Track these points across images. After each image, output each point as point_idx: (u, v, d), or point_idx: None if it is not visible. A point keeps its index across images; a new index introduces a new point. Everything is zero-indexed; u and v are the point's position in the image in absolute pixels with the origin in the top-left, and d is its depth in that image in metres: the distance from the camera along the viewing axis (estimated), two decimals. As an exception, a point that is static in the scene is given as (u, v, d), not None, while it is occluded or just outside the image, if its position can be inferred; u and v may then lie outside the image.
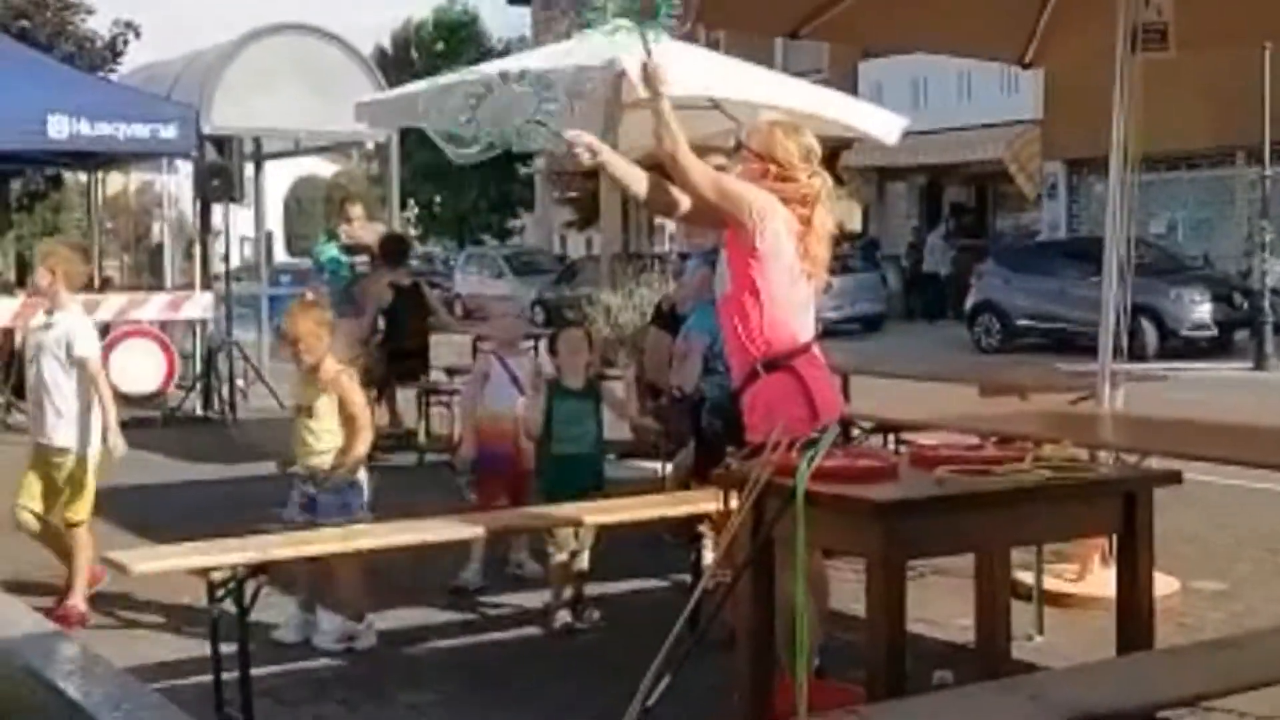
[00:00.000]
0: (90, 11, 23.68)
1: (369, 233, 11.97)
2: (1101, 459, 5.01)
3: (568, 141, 4.32)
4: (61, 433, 6.15)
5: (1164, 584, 5.66)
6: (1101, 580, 5.58)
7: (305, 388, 5.72)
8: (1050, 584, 5.83)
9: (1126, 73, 6.11)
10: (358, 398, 5.69)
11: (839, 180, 28.60)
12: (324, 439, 5.63)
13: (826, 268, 4.47)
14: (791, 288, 4.35)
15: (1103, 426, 5.79)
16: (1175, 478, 4.24)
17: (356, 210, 12.46)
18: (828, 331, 20.59)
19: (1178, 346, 18.15)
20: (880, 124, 9.08)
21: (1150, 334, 18.07)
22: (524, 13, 38.92)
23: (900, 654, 3.64)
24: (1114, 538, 4.18)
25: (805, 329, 4.44)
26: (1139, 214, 6.55)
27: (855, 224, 30.84)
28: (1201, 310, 18.75)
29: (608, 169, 4.33)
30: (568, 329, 6.62)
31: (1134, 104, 6.11)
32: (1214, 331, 18.74)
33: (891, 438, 6.98)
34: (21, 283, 17.73)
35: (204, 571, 4.77)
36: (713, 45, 15.60)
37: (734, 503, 4.00)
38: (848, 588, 5.18)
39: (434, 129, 4.68)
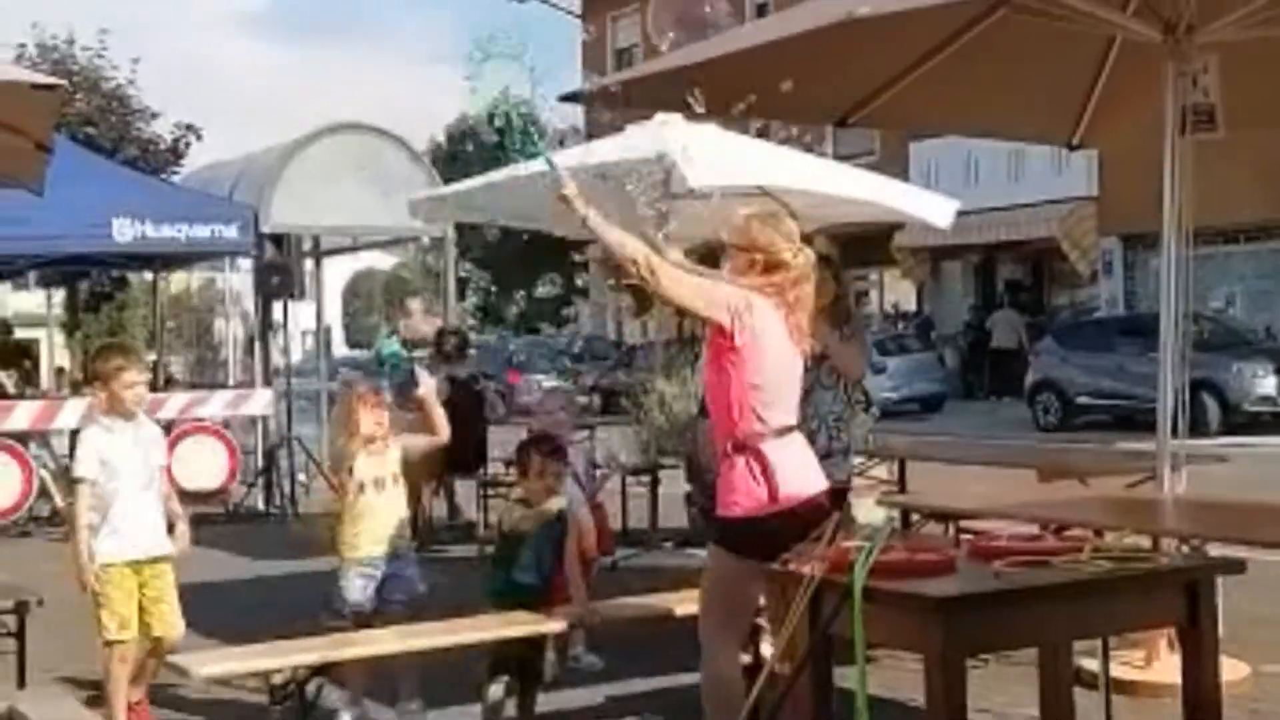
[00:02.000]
0: (154, 115, 24.29)
1: (429, 325, 12.07)
2: (1164, 545, 4.95)
3: (560, 194, 4.56)
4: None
5: (1233, 669, 5.56)
6: (1169, 666, 5.48)
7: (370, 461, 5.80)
8: (1116, 671, 5.73)
9: (1177, 154, 6.11)
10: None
11: (891, 261, 28.70)
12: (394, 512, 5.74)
13: (809, 339, 4.71)
14: (767, 378, 4.54)
15: (1163, 512, 5.72)
16: (1238, 566, 4.19)
17: (415, 304, 12.58)
18: (887, 413, 20.67)
19: (1241, 421, 17.92)
20: (933, 208, 9.09)
21: (1213, 409, 17.86)
22: (577, 105, 39.31)
23: (962, 749, 3.60)
24: (1178, 627, 4.12)
25: (781, 413, 4.60)
26: (1196, 288, 6.51)
27: (910, 304, 30.80)
28: (1265, 384, 18.52)
29: (588, 221, 4.52)
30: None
31: (1186, 182, 6.10)
32: (1278, 406, 18.51)
33: (950, 524, 6.93)
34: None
35: (266, 674, 4.80)
36: (762, 134, 15.72)
37: (790, 597, 3.99)
38: (908, 677, 5.13)
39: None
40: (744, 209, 4.90)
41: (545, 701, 6.13)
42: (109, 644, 5.69)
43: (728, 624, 4.69)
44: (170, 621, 5.77)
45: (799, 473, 4.61)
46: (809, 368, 6.27)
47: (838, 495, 6.13)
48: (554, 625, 5.40)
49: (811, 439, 6.09)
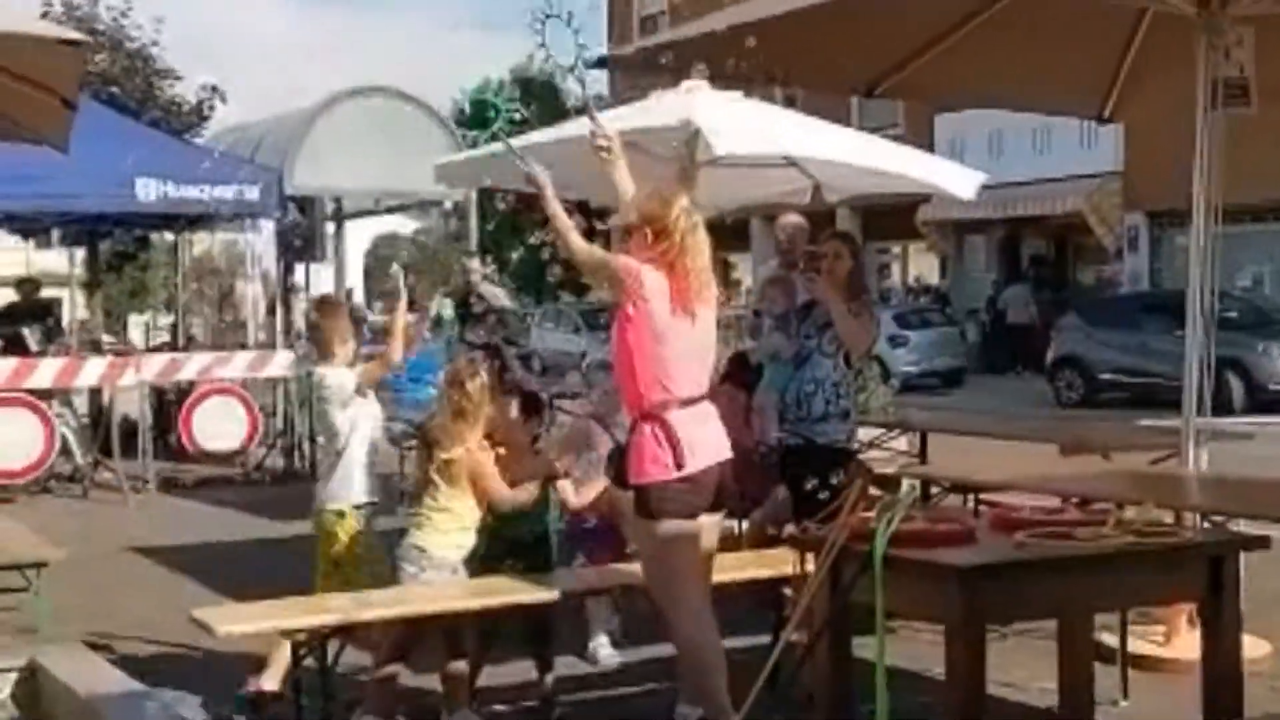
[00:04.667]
0: (178, 77, 24.27)
1: (489, 286, 11.84)
2: (1186, 521, 4.92)
3: (593, 131, 4.97)
4: None
5: (1254, 647, 5.54)
6: (1189, 642, 5.46)
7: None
8: (1136, 646, 5.72)
9: (1207, 128, 6.05)
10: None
11: (915, 235, 28.67)
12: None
13: (707, 302, 4.79)
14: (663, 345, 4.68)
15: (1187, 487, 5.68)
16: (1263, 542, 4.17)
17: (474, 264, 12.38)
18: (907, 387, 20.54)
19: (1266, 401, 17.81)
20: (957, 180, 9.02)
21: (1237, 388, 17.77)
22: (601, 72, 39.27)
23: (979, 719, 3.59)
24: (1199, 602, 4.10)
25: (684, 383, 4.73)
26: (1224, 266, 6.46)
27: (933, 278, 30.70)
28: (1290, 364, 18.40)
29: (612, 170, 4.95)
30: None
31: (1216, 158, 6.05)
32: (1304, 386, 18.40)
33: (971, 497, 6.91)
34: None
35: (289, 632, 4.81)
36: (788, 102, 15.65)
37: (810, 565, 4.00)
38: (927, 648, 5.12)
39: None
40: (641, 189, 5.01)
41: (571, 662, 6.15)
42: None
43: (675, 586, 4.75)
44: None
45: (704, 442, 4.72)
46: (809, 335, 6.34)
47: (837, 456, 6.26)
48: (550, 594, 5.30)
49: (809, 402, 6.23)
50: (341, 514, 5.56)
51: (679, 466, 4.63)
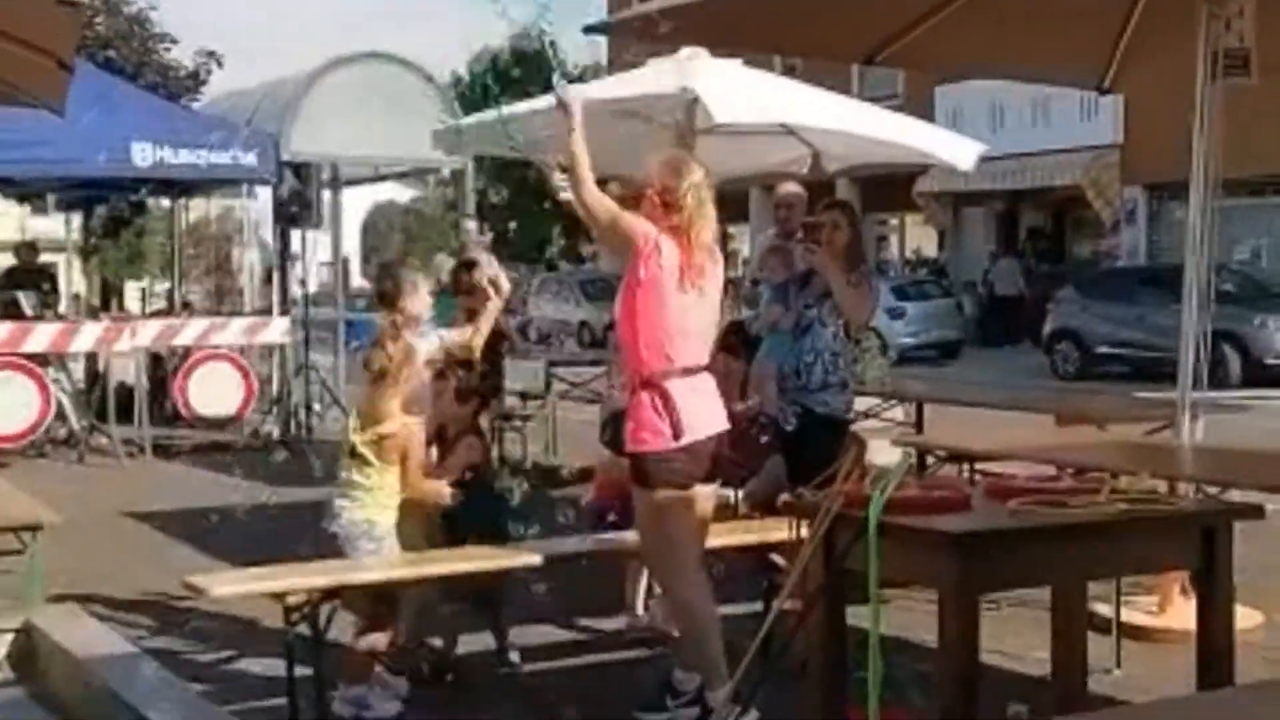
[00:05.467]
0: (175, 41, 24.15)
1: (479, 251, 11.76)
2: (1181, 491, 4.93)
3: (559, 98, 4.72)
4: None
5: (1247, 617, 5.56)
6: (1182, 612, 5.48)
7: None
8: (1129, 616, 5.74)
9: (1207, 100, 6.03)
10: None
11: (913, 206, 28.71)
12: None
13: (713, 278, 4.77)
14: (670, 312, 4.65)
15: (1182, 458, 5.69)
16: (1257, 512, 4.17)
17: (471, 225, 12.30)
18: (904, 358, 20.55)
19: (1262, 375, 17.83)
20: (956, 150, 9.00)
21: (1234, 362, 17.78)
22: (599, 40, 39.20)
23: (973, 686, 3.60)
24: (1193, 571, 4.11)
25: (687, 353, 4.72)
26: (1221, 240, 6.45)
27: (931, 250, 30.68)
28: (1287, 338, 18.41)
29: (572, 142, 4.64)
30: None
31: (1215, 130, 6.03)
32: (1300, 359, 18.41)
33: (967, 467, 6.91)
34: (105, 307, 18.09)
35: (280, 595, 4.82)
36: (788, 71, 15.60)
37: (804, 532, 4.00)
38: (921, 617, 5.13)
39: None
40: (654, 155, 4.95)
41: (567, 630, 6.17)
42: None
43: (672, 554, 4.77)
44: None
45: (702, 411, 4.72)
46: (809, 305, 6.34)
47: (837, 426, 6.28)
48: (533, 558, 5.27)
49: (808, 372, 6.24)
50: None
51: (677, 436, 4.63)
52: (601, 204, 4.70)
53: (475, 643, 5.83)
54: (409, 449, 5.24)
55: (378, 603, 5.21)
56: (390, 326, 5.36)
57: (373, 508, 5.20)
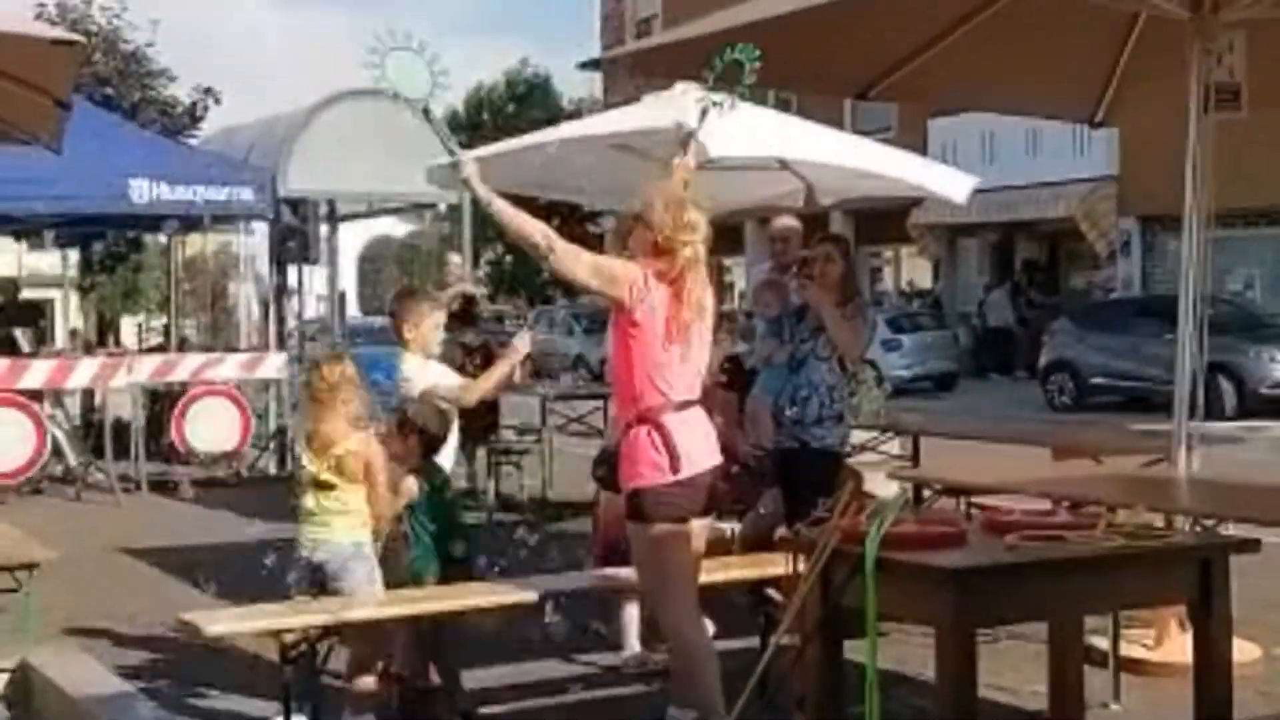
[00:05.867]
0: (172, 78, 24.23)
1: (462, 286, 11.78)
2: (1177, 524, 4.93)
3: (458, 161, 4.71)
4: None
5: (1244, 651, 5.55)
6: (1179, 646, 5.48)
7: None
8: (1127, 650, 5.73)
9: (1200, 133, 6.06)
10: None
11: (907, 238, 28.79)
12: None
13: (700, 329, 4.72)
14: (663, 351, 4.64)
15: (1178, 491, 5.69)
16: (1253, 546, 4.17)
17: (455, 258, 12.33)
18: (900, 390, 20.63)
19: (1257, 405, 17.85)
20: (950, 183, 9.05)
21: (1229, 392, 17.80)
22: (594, 74, 39.37)
23: (971, 723, 3.60)
24: (1190, 605, 4.11)
25: (680, 388, 4.70)
26: (1215, 271, 6.47)
27: (926, 282, 30.73)
28: (1281, 368, 18.44)
29: (502, 216, 4.62)
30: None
31: (1208, 162, 6.06)
32: (1295, 390, 18.43)
33: (963, 500, 6.91)
34: (102, 342, 18.10)
35: (277, 633, 4.81)
36: (783, 105, 15.66)
37: (802, 567, 4.00)
38: (918, 651, 5.12)
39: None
40: (654, 186, 4.89)
41: (566, 663, 6.16)
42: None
43: (668, 588, 4.76)
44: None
45: (698, 445, 4.72)
46: (804, 339, 6.36)
47: (832, 459, 6.29)
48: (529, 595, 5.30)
49: (804, 406, 6.25)
50: None
51: (675, 470, 4.62)
52: (576, 261, 4.64)
53: (486, 678, 5.84)
54: (371, 462, 5.20)
55: (370, 639, 5.19)
56: (328, 350, 5.40)
57: (353, 530, 5.17)
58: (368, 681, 5.21)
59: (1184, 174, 6.05)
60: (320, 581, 5.14)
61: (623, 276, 4.66)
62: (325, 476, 5.16)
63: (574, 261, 4.64)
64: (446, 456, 5.86)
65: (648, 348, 4.66)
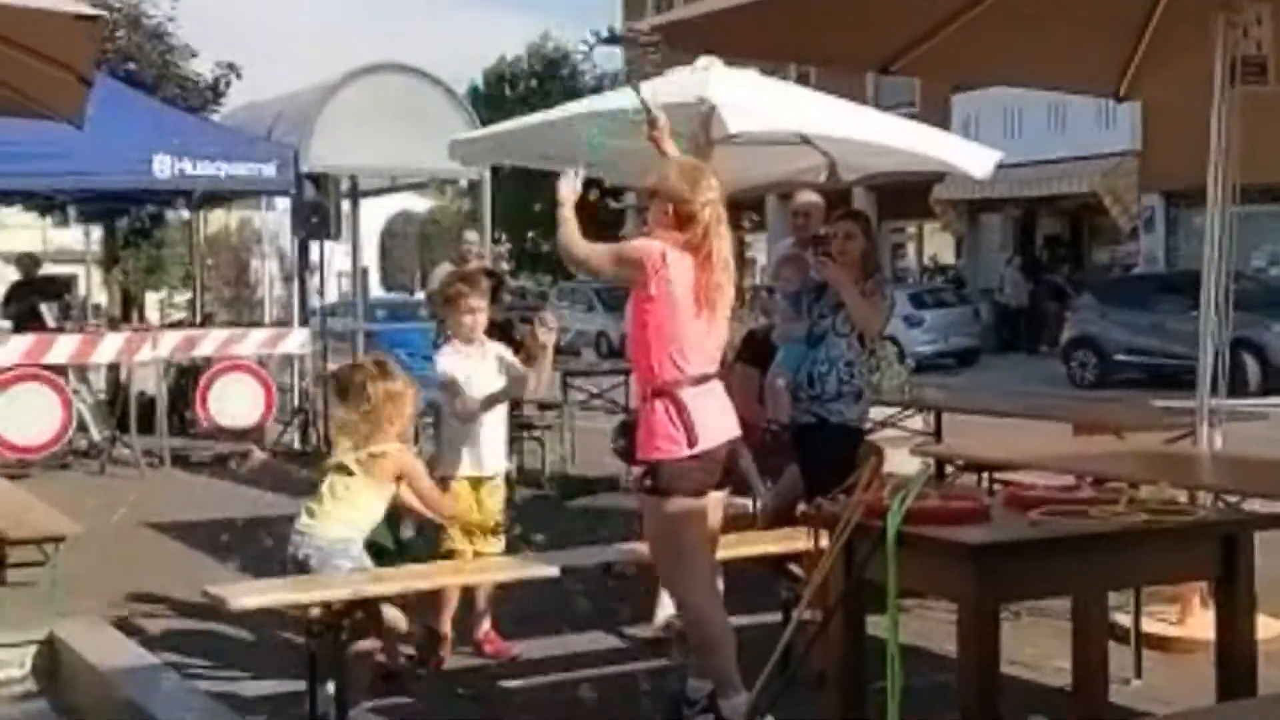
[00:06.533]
0: (194, 54, 24.24)
1: (477, 262, 11.77)
2: (1201, 500, 4.92)
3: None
4: None
5: (1268, 627, 5.52)
6: (1202, 622, 5.46)
7: None
8: (1149, 626, 5.72)
9: (1225, 106, 6.02)
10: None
11: (930, 214, 28.72)
12: None
13: (731, 294, 4.81)
14: (682, 325, 4.68)
15: (1201, 467, 5.67)
16: (1277, 521, 4.16)
17: (472, 235, 12.31)
18: (922, 366, 20.64)
19: (1281, 381, 17.77)
20: (972, 158, 9.01)
21: (1253, 369, 17.72)
22: (615, 49, 39.29)
23: (993, 698, 3.60)
24: (1213, 581, 4.10)
25: (699, 362, 4.72)
26: (1239, 246, 6.42)
27: (949, 257, 30.63)
28: (1306, 344, 18.33)
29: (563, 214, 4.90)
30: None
31: (1234, 136, 6.02)
32: (1319, 366, 18.33)
33: (985, 476, 6.91)
34: (126, 318, 18.16)
35: (302, 607, 4.84)
36: (802, 79, 15.59)
37: (824, 542, 4.01)
38: (939, 627, 5.13)
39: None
40: (670, 158, 5.01)
41: (586, 641, 6.18)
42: (449, 553, 5.72)
43: (684, 563, 4.76)
44: (490, 540, 5.82)
45: (715, 419, 4.73)
46: (823, 315, 6.35)
47: (850, 435, 6.28)
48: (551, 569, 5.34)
49: (822, 382, 6.24)
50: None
51: (691, 444, 4.63)
52: (594, 252, 4.84)
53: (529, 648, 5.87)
54: (410, 471, 5.23)
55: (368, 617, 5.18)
56: (372, 365, 5.37)
57: (347, 525, 5.13)
58: (367, 646, 5.18)
59: (1209, 149, 6.01)
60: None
61: (637, 255, 4.73)
62: (349, 463, 5.16)
63: (600, 260, 4.83)
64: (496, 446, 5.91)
65: (665, 322, 4.67)
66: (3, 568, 6.49)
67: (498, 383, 5.84)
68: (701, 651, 4.84)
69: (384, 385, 5.22)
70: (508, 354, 6.06)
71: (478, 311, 5.89)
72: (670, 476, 4.65)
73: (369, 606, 4.96)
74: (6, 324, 12.77)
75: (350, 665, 5.10)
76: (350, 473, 5.15)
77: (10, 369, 11.86)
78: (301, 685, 5.04)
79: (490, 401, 5.80)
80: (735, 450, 4.83)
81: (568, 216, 4.89)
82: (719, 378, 4.84)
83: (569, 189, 4.98)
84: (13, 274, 15.50)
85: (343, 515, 5.13)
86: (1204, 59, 6.07)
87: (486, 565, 5.54)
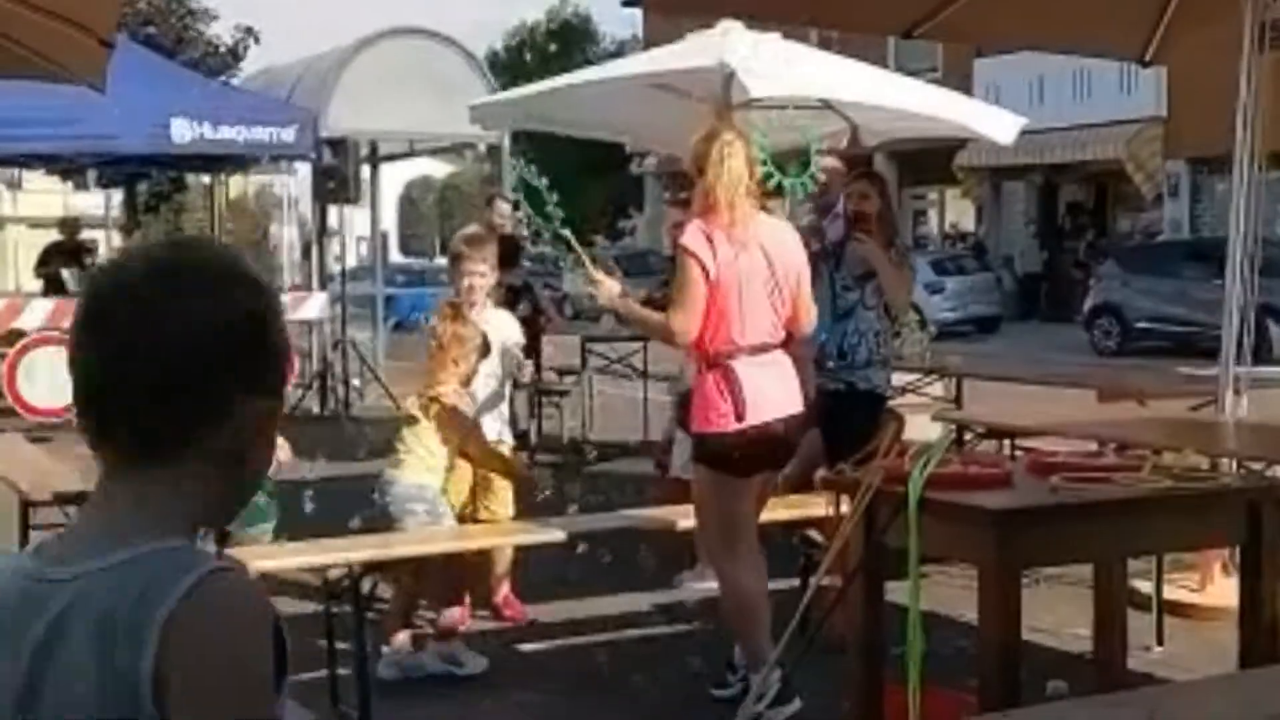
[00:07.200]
0: (214, 18, 24.26)
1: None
2: (1224, 467, 4.89)
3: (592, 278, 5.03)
4: None
5: (1290, 595, 5.51)
6: (1224, 590, 5.45)
7: None
8: (1170, 593, 5.71)
9: (1253, 71, 5.95)
10: None
11: (952, 180, 28.56)
12: None
13: (780, 268, 4.73)
14: (736, 298, 4.62)
15: (1225, 434, 5.64)
16: (1302, 488, 4.13)
17: (503, 205, 12.22)
18: (943, 333, 20.56)
19: (1306, 349, 17.64)
20: (996, 124, 8.94)
21: (1277, 335, 17.60)
22: (636, 12, 39.08)
23: (1014, 663, 3.59)
24: (1237, 548, 4.08)
25: (754, 332, 4.67)
26: (1265, 213, 6.38)
27: (970, 224, 30.49)
28: (1331, 312, 18.19)
29: (626, 316, 5.14)
30: None
31: (1260, 103, 5.95)
32: (1345, 334, 18.19)
33: (1007, 443, 6.88)
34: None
35: (321, 569, 4.85)
36: (824, 44, 15.49)
37: (845, 508, 3.99)
38: (960, 593, 5.11)
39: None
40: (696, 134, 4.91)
41: (600, 605, 6.19)
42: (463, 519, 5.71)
43: (725, 536, 4.75)
44: (494, 510, 5.77)
45: (769, 392, 4.67)
46: (850, 287, 6.30)
47: (877, 401, 6.26)
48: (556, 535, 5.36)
49: (853, 352, 6.21)
50: None
51: (740, 419, 4.60)
52: (682, 314, 4.65)
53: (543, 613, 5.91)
54: (452, 417, 5.26)
55: (428, 578, 5.26)
56: (446, 306, 5.45)
57: (418, 470, 5.23)
58: (454, 614, 5.33)
59: (1235, 115, 5.95)
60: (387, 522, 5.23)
61: (694, 271, 4.62)
62: (414, 411, 5.30)
63: (690, 310, 4.63)
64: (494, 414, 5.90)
65: (720, 298, 4.62)
66: (26, 530, 6.52)
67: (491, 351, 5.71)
68: (737, 621, 4.82)
69: (453, 328, 5.35)
70: (511, 331, 5.99)
71: (475, 275, 5.75)
72: (717, 449, 4.63)
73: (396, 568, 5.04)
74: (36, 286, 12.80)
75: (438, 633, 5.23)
76: (415, 420, 5.27)
77: (33, 333, 11.89)
78: (322, 644, 5.05)
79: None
80: (794, 424, 4.77)
81: (641, 317, 4.98)
82: (786, 350, 4.78)
83: (607, 297, 4.94)
84: (39, 239, 15.56)
85: (414, 462, 5.24)
86: (1231, 24, 6.00)
87: (494, 530, 5.54)
